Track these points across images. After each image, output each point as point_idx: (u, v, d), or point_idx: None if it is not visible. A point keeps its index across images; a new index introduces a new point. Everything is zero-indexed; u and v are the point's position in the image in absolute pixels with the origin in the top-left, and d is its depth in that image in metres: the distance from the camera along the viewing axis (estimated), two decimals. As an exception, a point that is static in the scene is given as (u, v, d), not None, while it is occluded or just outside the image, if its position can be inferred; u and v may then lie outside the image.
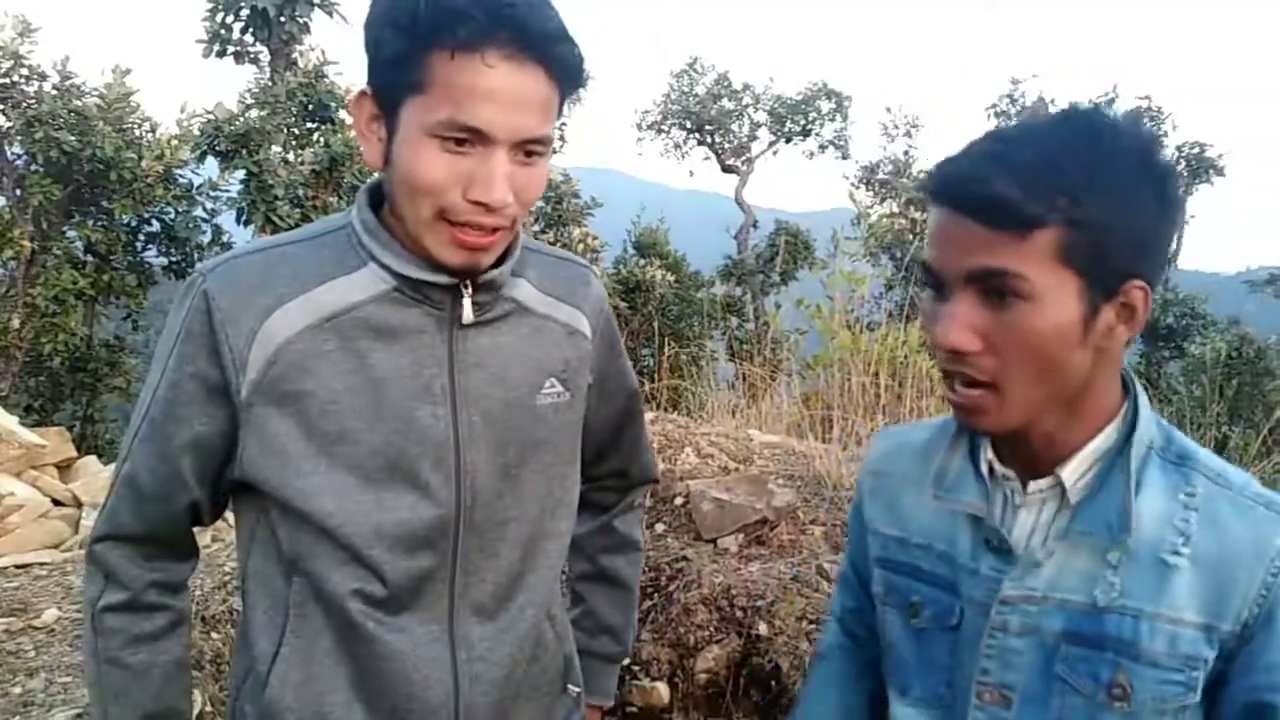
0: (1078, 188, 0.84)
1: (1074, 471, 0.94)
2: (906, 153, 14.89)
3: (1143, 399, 0.96)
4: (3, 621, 3.01)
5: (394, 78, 0.93)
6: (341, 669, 1.03)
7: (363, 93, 0.98)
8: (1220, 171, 16.97)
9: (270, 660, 1.03)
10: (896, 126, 15.31)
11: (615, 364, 1.24)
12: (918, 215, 12.25)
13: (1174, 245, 0.90)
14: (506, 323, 1.07)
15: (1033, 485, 0.96)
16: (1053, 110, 0.91)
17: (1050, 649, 0.94)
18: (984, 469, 0.99)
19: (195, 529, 1.11)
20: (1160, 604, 0.89)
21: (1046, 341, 0.86)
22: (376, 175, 1.06)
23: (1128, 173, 0.86)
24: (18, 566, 4.06)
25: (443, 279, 1.00)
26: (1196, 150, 16.76)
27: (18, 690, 2.49)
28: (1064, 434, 0.94)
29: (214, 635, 2.68)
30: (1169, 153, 0.94)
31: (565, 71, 0.94)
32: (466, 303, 1.03)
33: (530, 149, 0.95)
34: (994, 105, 14.58)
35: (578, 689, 1.22)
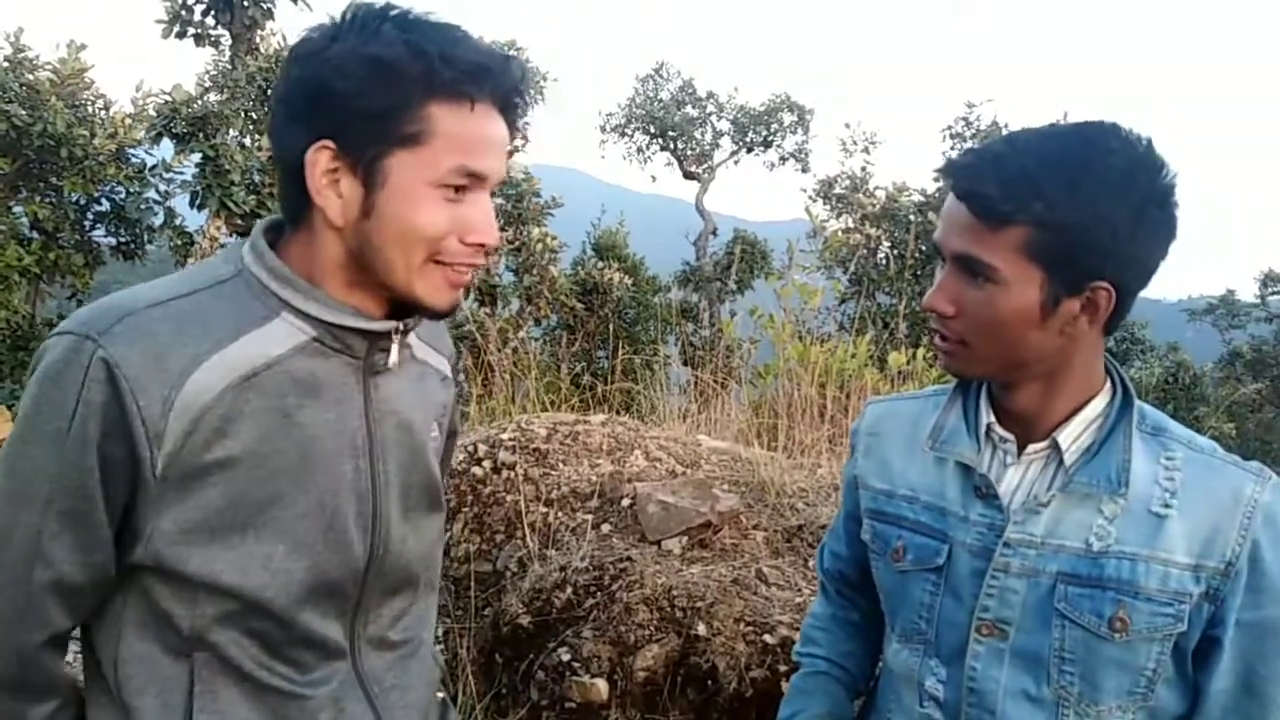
0: (1053, 195, 0.98)
1: (1069, 436, 1.10)
2: (864, 168, 15.04)
3: (1129, 380, 1.14)
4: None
5: (379, 131, 0.91)
6: None
7: (324, 146, 0.92)
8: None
9: None
10: (855, 142, 15.47)
11: (455, 405, 1.26)
12: (872, 230, 12.42)
13: (1159, 258, 1.05)
14: (403, 369, 1.07)
15: (1031, 447, 1.12)
16: (1045, 126, 1.05)
17: (1047, 588, 1.09)
18: (981, 429, 1.15)
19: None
20: (1155, 548, 1.06)
21: (1005, 319, 1.04)
22: (270, 217, 1.04)
23: (1107, 187, 0.99)
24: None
25: (377, 325, 0.99)
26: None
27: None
28: (1050, 402, 1.11)
29: None
30: (1169, 177, 1.05)
31: (517, 119, 1.00)
32: (394, 348, 1.02)
33: (493, 188, 0.98)
34: (949, 127, 14.82)
35: (442, 693, 1.27)
